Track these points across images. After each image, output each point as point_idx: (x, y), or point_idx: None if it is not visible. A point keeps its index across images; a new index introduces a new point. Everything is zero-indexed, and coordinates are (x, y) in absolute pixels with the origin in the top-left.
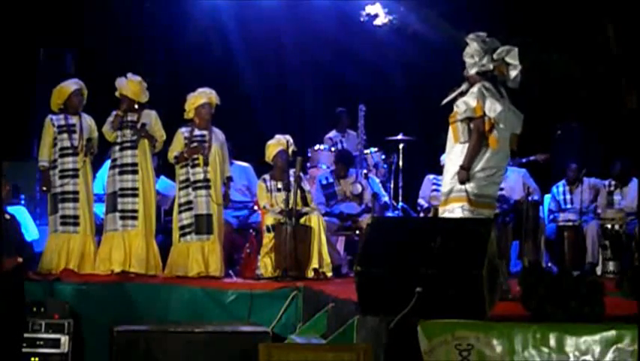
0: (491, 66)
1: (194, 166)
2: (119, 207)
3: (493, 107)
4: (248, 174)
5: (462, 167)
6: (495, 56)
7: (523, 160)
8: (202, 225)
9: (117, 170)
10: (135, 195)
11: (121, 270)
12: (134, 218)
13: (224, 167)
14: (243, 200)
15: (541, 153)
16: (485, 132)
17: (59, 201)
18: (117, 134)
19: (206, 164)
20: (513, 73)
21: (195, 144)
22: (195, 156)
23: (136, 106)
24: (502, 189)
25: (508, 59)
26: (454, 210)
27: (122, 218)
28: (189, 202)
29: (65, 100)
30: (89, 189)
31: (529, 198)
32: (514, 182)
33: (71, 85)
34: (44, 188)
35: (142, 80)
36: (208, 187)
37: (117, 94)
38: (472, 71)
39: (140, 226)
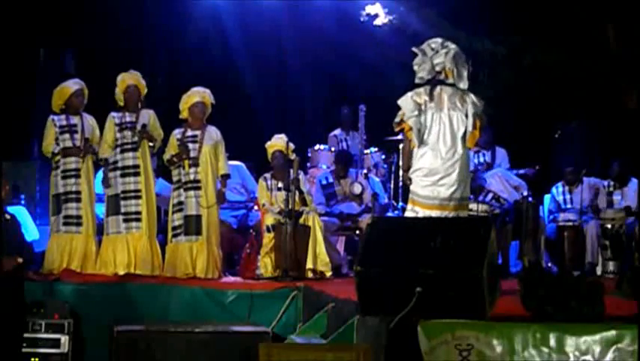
0: (426, 76)
1: (184, 167)
2: (123, 209)
3: (407, 111)
4: (241, 172)
5: (403, 170)
6: (436, 61)
7: (514, 173)
8: (191, 226)
9: (119, 172)
10: (138, 197)
11: (125, 273)
12: (138, 220)
13: (218, 165)
14: (239, 200)
15: (530, 166)
16: (407, 135)
17: (62, 202)
18: (117, 136)
19: (195, 165)
20: (455, 74)
21: (183, 146)
22: (184, 157)
23: (141, 98)
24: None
25: (447, 64)
26: (412, 210)
27: (126, 221)
28: (180, 203)
29: (66, 100)
30: (91, 189)
31: (522, 193)
32: (499, 184)
33: (72, 85)
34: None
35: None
36: (198, 188)
37: (117, 90)
38: (416, 81)
39: (144, 228)
